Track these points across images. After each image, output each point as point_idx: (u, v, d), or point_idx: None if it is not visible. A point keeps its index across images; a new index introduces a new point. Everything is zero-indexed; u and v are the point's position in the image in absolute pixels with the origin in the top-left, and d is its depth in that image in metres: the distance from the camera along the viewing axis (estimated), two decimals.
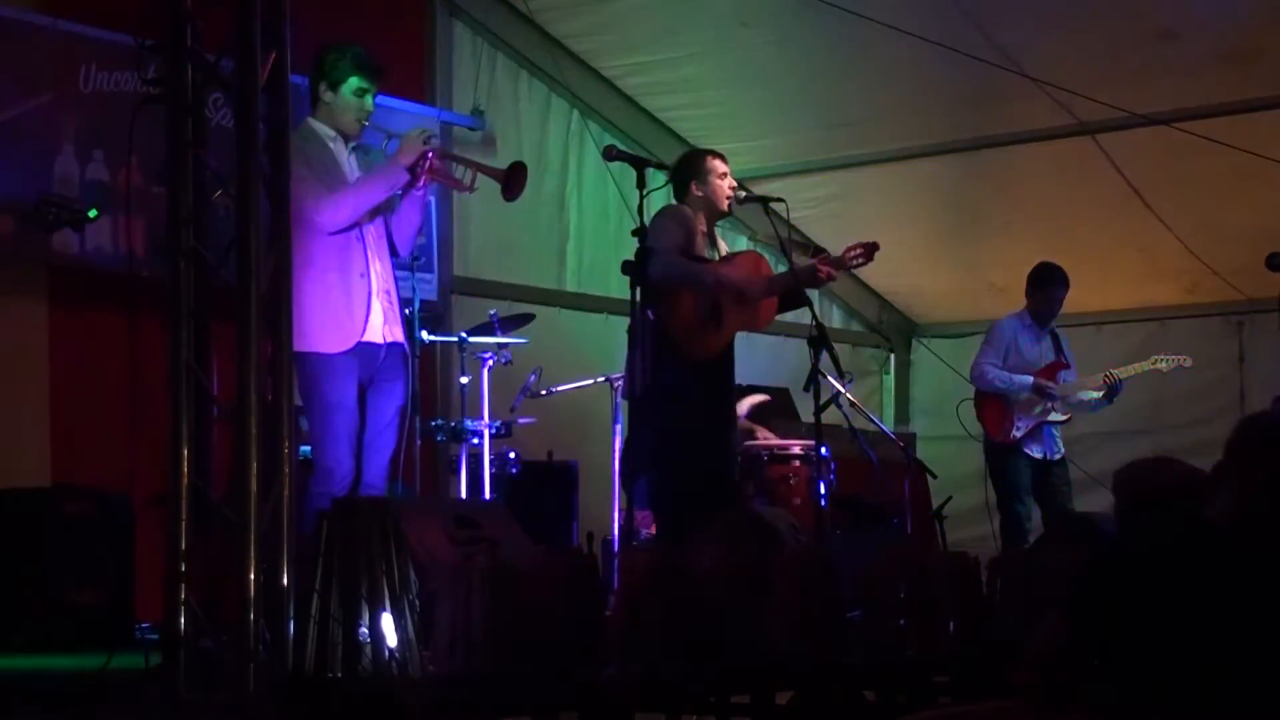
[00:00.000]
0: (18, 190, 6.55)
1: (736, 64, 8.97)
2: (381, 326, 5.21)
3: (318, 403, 5.13)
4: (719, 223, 6.52)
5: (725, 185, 6.29)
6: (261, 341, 3.59)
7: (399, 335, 5.31)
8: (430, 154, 5.20)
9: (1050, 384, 7.84)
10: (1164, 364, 7.95)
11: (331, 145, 5.26)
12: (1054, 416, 7.87)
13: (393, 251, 5.36)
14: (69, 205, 5.39)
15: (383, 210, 5.29)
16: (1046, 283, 7.94)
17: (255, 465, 3.50)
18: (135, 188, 6.58)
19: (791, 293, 6.32)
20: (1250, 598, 2.71)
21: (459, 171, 5.43)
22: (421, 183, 5.25)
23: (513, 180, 5.26)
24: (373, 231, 5.25)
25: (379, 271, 5.23)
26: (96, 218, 5.48)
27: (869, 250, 6.29)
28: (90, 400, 6.69)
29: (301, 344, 5.03)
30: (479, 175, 5.41)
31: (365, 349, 5.18)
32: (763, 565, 4.42)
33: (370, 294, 5.18)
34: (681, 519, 5.84)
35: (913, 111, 9.07)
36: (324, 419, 5.12)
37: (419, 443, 6.57)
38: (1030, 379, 7.83)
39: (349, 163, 5.29)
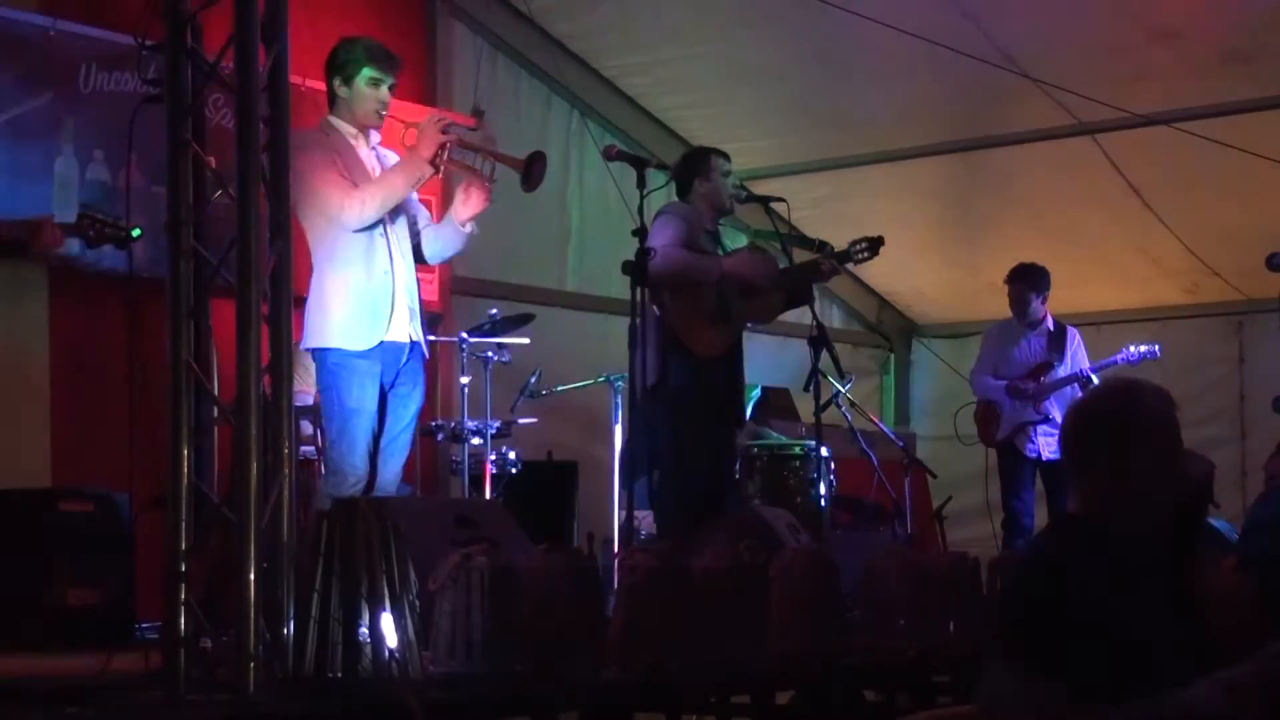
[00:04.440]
0: (18, 190, 6.56)
1: (737, 64, 8.98)
2: (406, 325, 5.14)
3: (337, 405, 5.06)
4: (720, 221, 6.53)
5: (727, 183, 6.31)
6: (261, 341, 3.59)
7: (420, 335, 5.25)
8: (449, 143, 5.16)
9: (1026, 385, 7.90)
10: (1133, 351, 8.00)
11: (353, 143, 5.21)
12: (1029, 416, 7.95)
13: (418, 258, 5.32)
14: (112, 223, 4.86)
15: (404, 210, 5.24)
16: (1009, 280, 8.12)
17: (255, 465, 3.50)
18: (135, 188, 6.57)
19: (794, 290, 6.32)
20: (1127, 576, 2.74)
21: (476, 162, 5.33)
22: (447, 170, 5.22)
23: (532, 170, 5.18)
24: (396, 230, 5.19)
25: (402, 270, 5.17)
26: (140, 236, 4.85)
27: (874, 244, 6.29)
28: (90, 400, 6.68)
29: (325, 340, 5.03)
30: (497, 167, 5.30)
31: (389, 348, 5.11)
32: (763, 565, 4.42)
33: (394, 292, 5.12)
34: (683, 518, 5.85)
35: (913, 111, 9.07)
36: (343, 422, 5.04)
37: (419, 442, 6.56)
38: (1004, 383, 7.99)
39: (370, 162, 5.23)
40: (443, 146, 5.15)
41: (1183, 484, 2.91)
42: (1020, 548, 5.11)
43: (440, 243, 5.37)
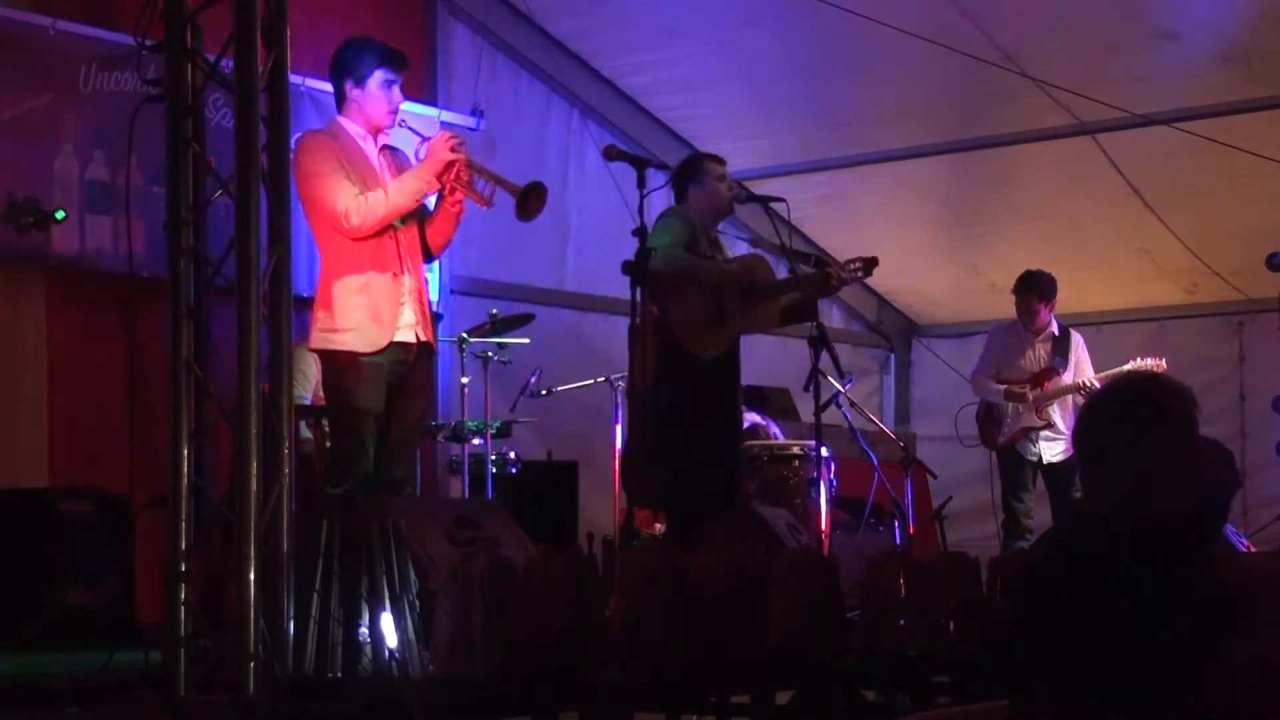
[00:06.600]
0: (18, 190, 6.55)
1: (736, 64, 8.97)
2: (414, 326, 5.13)
3: (343, 405, 5.05)
4: (719, 227, 6.53)
5: (723, 187, 6.32)
6: (261, 341, 3.60)
7: (429, 335, 5.23)
8: (457, 163, 5.16)
9: (1023, 392, 7.93)
10: (1139, 364, 7.99)
11: (361, 144, 5.20)
12: (1032, 422, 7.95)
13: (426, 255, 5.31)
14: (36, 209, 5.14)
15: (415, 215, 5.24)
16: (1016, 289, 8.12)
17: (255, 465, 3.50)
18: (135, 188, 6.58)
19: (799, 306, 6.31)
20: (1127, 572, 2.70)
21: (479, 184, 5.30)
22: (457, 196, 5.20)
23: (530, 200, 5.17)
24: (405, 231, 5.18)
25: (411, 271, 5.16)
26: (64, 219, 5.29)
27: (868, 265, 6.36)
28: (90, 400, 6.69)
29: (334, 343, 5.01)
30: (497, 190, 5.27)
31: (397, 348, 5.09)
32: (763, 565, 4.42)
33: (403, 294, 5.11)
34: (683, 517, 5.84)
35: (913, 111, 9.07)
36: (348, 422, 5.03)
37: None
38: (1003, 388, 8.01)
39: (378, 163, 5.22)
40: (450, 165, 5.15)
41: (1202, 479, 2.87)
42: (1026, 555, 5.05)
43: (433, 230, 5.32)
